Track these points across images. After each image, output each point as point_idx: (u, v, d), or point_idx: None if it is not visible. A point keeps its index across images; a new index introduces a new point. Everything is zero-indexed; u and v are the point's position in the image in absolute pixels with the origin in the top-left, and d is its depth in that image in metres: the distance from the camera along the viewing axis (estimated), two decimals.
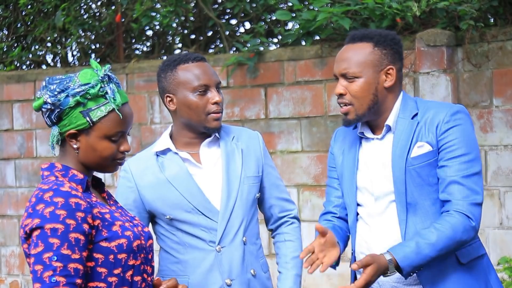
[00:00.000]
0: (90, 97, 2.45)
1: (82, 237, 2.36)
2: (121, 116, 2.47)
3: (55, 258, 2.32)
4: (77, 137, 2.47)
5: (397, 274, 2.85)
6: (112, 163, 2.53)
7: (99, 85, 2.46)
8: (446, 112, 2.93)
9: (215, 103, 3.06)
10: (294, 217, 3.28)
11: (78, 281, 2.33)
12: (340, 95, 2.97)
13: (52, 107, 2.44)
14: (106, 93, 2.47)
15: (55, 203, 2.36)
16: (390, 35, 3.00)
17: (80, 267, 2.35)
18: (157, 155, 3.13)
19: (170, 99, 3.10)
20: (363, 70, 2.94)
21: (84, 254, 2.37)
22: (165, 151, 3.13)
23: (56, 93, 2.44)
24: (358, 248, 3.04)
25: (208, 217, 3.07)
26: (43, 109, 2.47)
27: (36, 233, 2.35)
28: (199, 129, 3.11)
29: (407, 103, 2.99)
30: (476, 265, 2.95)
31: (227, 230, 3.09)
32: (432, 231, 2.82)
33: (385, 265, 2.76)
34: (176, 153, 3.12)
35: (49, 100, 2.44)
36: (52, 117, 2.46)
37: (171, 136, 3.17)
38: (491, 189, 4.85)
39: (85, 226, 2.37)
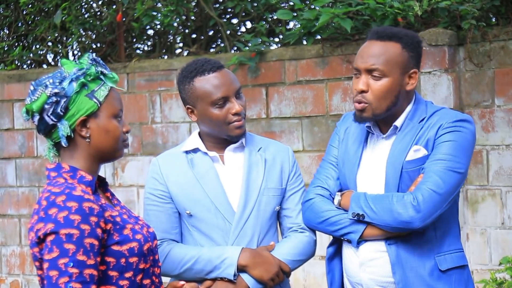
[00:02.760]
0: (90, 78, 2.45)
1: (96, 242, 2.34)
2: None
3: (71, 264, 2.29)
4: (86, 124, 2.46)
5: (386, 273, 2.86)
6: (122, 144, 2.52)
7: (93, 67, 2.47)
8: (450, 118, 2.88)
9: (235, 113, 3.02)
10: (304, 228, 3.11)
11: (93, 287, 2.32)
12: (361, 92, 2.89)
13: (58, 98, 2.41)
14: (102, 72, 2.48)
15: (69, 207, 2.33)
16: (416, 38, 2.95)
17: (95, 272, 2.33)
18: (187, 153, 3.11)
19: (190, 110, 3.08)
20: (391, 69, 2.87)
21: (98, 259, 2.35)
22: (195, 150, 3.11)
23: (57, 83, 2.42)
24: (346, 251, 3.00)
25: (227, 220, 3.03)
26: (46, 106, 2.41)
27: (50, 238, 2.32)
28: (223, 137, 3.08)
29: (419, 107, 2.94)
30: (456, 275, 2.88)
31: (239, 238, 3.03)
32: None
33: None
34: (205, 153, 3.09)
35: (54, 91, 2.40)
36: (59, 110, 2.41)
37: (199, 136, 3.14)
38: (492, 189, 4.84)
39: (99, 231, 2.36)
